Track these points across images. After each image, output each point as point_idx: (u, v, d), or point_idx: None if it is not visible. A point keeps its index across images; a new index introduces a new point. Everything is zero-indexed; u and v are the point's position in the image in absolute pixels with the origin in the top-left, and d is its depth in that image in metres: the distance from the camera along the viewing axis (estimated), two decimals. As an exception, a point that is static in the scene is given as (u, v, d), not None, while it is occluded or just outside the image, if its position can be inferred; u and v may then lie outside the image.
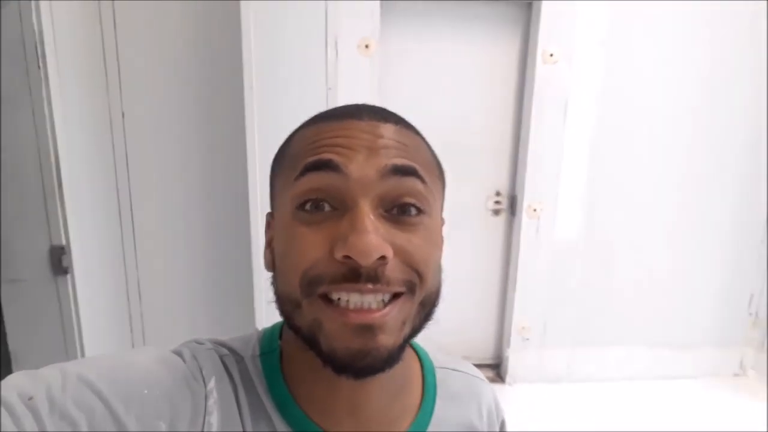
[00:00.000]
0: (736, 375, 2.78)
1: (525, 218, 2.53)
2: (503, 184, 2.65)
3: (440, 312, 0.45)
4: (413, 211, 0.41)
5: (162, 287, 2.22)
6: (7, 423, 0.33)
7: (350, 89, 2.16)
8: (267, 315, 2.02)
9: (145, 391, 0.39)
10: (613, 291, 2.65)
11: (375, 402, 0.46)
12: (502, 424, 0.60)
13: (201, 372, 0.43)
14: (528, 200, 2.51)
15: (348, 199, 0.39)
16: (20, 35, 1.55)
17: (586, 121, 2.45)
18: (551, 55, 2.35)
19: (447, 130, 2.52)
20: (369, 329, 0.38)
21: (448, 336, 2.69)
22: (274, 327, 0.50)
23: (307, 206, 0.40)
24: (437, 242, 0.45)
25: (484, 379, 0.60)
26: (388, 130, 0.42)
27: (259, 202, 2.00)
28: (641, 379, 2.70)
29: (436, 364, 0.55)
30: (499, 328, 2.81)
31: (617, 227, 2.58)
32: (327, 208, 0.40)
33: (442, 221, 0.49)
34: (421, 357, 0.55)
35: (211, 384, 0.42)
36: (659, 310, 2.70)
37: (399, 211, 0.41)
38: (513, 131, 2.58)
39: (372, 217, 0.39)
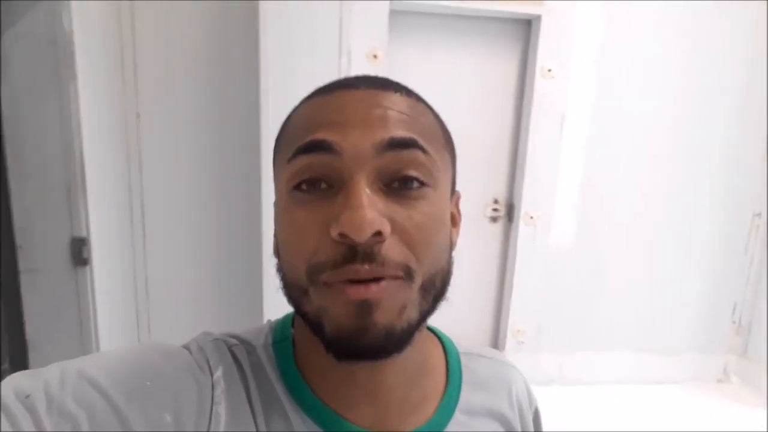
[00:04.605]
0: (720, 381, 2.89)
1: (522, 225, 2.63)
2: (501, 193, 2.75)
3: (437, 314, 0.43)
4: (415, 184, 0.39)
5: (171, 283, 2.28)
6: (4, 423, 0.32)
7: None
8: (276, 309, 2.09)
9: (148, 383, 0.38)
10: (604, 297, 2.74)
11: (392, 387, 0.44)
12: (536, 413, 0.58)
13: (208, 362, 0.42)
14: (525, 208, 2.61)
15: (344, 176, 0.38)
16: (52, 34, 1.62)
17: (581, 134, 2.56)
18: (549, 70, 2.47)
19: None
20: (366, 305, 0.37)
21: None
22: (286, 317, 0.50)
23: (303, 186, 0.39)
24: (443, 218, 0.42)
25: (514, 365, 0.58)
26: (386, 98, 0.40)
27: (272, 203, 2.07)
28: (629, 383, 2.79)
29: (460, 349, 0.53)
30: (494, 330, 2.89)
31: (609, 235, 2.68)
32: (323, 185, 0.39)
33: (458, 194, 0.48)
34: (444, 342, 0.53)
35: (218, 373, 0.41)
36: (647, 316, 2.79)
37: (400, 185, 0.39)
38: (511, 142, 2.69)
39: (368, 191, 0.37)
